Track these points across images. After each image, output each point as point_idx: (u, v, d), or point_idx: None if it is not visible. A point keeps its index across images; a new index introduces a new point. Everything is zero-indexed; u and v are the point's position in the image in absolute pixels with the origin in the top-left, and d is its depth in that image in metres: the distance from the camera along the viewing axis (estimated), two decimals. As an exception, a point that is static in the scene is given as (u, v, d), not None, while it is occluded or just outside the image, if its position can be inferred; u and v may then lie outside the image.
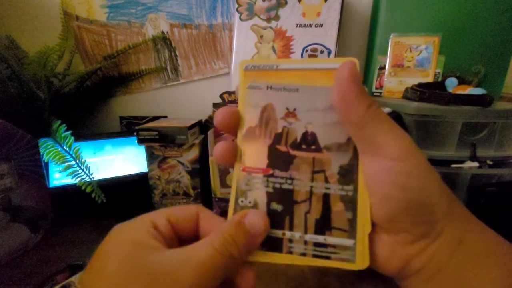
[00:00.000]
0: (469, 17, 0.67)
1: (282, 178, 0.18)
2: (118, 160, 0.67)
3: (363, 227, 0.17)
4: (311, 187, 0.18)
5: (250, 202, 0.18)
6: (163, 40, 0.80)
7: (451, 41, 0.68)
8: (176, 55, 0.81)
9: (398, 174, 0.16)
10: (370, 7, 0.76)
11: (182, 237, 0.19)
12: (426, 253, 0.16)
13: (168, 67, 0.82)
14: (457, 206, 0.17)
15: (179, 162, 0.64)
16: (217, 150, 0.19)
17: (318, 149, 0.18)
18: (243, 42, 0.71)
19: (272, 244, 0.18)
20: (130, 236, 0.17)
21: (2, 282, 0.45)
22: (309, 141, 0.18)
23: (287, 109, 0.19)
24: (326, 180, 0.18)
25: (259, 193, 0.18)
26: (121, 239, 0.17)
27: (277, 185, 0.18)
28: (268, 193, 0.18)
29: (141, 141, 0.61)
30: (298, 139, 0.18)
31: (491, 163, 0.51)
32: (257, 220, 0.17)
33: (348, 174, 0.18)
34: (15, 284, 0.44)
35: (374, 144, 0.16)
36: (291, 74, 0.19)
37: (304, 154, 0.18)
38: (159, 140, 0.61)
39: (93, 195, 0.53)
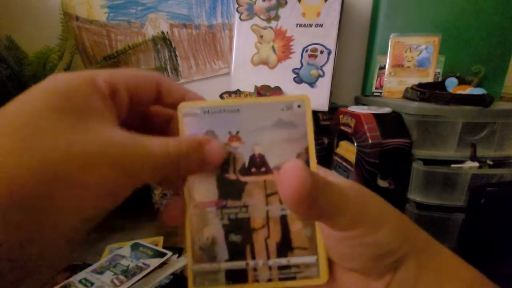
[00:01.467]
0: (469, 17, 0.67)
1: (236, 207, 0.18)
2: (118, 160, 0.67)
3: (322, 241, 0.17)
4: (267, 211, 0.18)
5: (207, 238, 0.18)
6: (163, 40, 0.80)
7: (451, 41, 0.68)
8: (176, 55, 0.81)
9: (352, 238, 0.16)
10: (370, 7, 0.76)
11: (135, 107, 0.18)
12: (394, 283, 0.17)
13: (168, 67, 0.82)
14: (417, 235, 0.18)
15: (179, 162, 0.64)
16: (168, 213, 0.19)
17: (268, 171, 0.18)
18: (243, 42, 0.71)
19: (237, 276, 0.17)
20: (69, 89, 0.14)
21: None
22: (258, 164, 0.18)
23: (230, 133, 0.18)
24: (281, 202, 0.18)
25: (215, 228, 0.18)
26: (55, 87, 0.14)
27: (232, 216, 0.18)
28: (224, 226, 0.18)
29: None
30: (247, 164, 0.18)
31: (491, 163, 0.51)
32: (215, 151, 0.17)
33: None
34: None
35: (329, 225, 0.16)
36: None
37: (255, 178, 0.18)
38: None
39: (93, 195, 0.53)
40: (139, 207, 0.67)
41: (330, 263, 0.18)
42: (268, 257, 0.17)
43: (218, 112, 0.18)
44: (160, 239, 0.54)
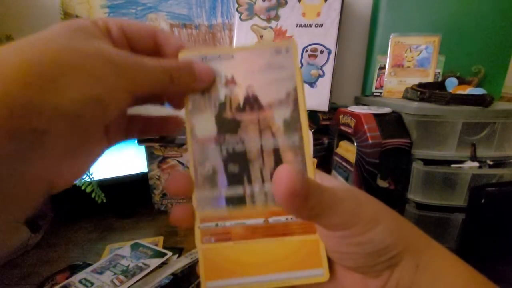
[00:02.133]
0: (469, 17, 0.67)
1: (233, 142, 0.20)
2: (118, 160, 0.67)
3: (311, 167, 0.19)
4: (261, 144, 0.19)
5: (208, 169, 0.20)
6: (163, 40, 0.80)
7: (451, 41, 0.68)
8: (176, 55, 0.81)
9: (348, 237, 0.17)
10: (370, 7, 0.76)
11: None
12: (392, 281, 0.18)
13: (168, 67, 0.82)
14: (413, 234, 0.19)
15: (179, 162, 0.64)
16: (171, 183, 0.20)
17: (261, 109, 0.20)
18: (243, 42, 0.71)
19: (236, 200, 0.19)
20: (76, 23, 0.16)
21: (2, 282, 0.45)
22: (251, 103, 0.20)
23: (226, 77, 0.20)
24: (273, 135, 0.19)
25: (215, 160, 0.20)
26: (64, 23, 0.16)
27: (230, 149, 0.20)
28: (223, 158, 0.20)
29: (141, 141, 0.61)
30: (242, 104, 0.20)
31: (491, 163, 0.51)
32: (203, 67, 0.19)
33: (291, 125, 0.19)
34: (15, 284, 0.44)
35: (323, 225, 0.18)
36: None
37: (249, 116, 0.20)
38: (159, 140, 0.61)
39: (93, 195, 0.53)
40: (139, 207, 0.67)
41: (330, 263, 0.19)
42: (263, 183, 0.19)
43: (215, 59, 0.20)
44: (160, 239, 0.54)
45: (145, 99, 0.23)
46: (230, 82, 0.20)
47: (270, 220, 0.19)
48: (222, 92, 0.20)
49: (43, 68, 0.13)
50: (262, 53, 0.19)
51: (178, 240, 0.54)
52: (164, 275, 0.41)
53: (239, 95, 0.20)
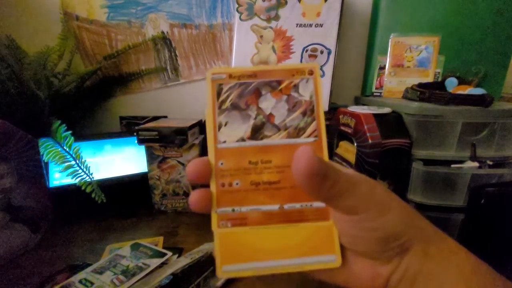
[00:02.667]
0: (469, 17, 0.67)
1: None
2: (118, 160, 0.67)
3: (327, 156, 0.20)
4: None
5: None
6: (163, 40, 0.80)
7: (451, 41, 0.68)
8: (176, 55, 0.81)
9: (362, 222, 0.18)
10: (370, 7, 0.76)
11: None
12: (401, 268, 0.18)
13: (168, 67, 0.82)
14: (421, 223, 0.19)
15: (179, 162, 0.64)
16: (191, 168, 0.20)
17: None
18: (243, 42, 0.71)
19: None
20: None
21: (2, 282, 0.45)
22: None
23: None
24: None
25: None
26: None
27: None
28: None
29: (141, 141, 0.61)
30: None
31: (491, 163, 0.51)
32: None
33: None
34: (15, 284, 0.44)
35: (339, 208, 0.18)
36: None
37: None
38: (159, 140, 0.61)
39: (93, 195, 0.53)
40: (139, 207, 0.67)
41: (342, 249, 0.20)
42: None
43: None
44: (160, 239, 0.54)
45: None
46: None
47: (286, 206, 0.20)
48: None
49: None
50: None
51: (178, 240, 0.54)
52: (164, 275, 0.41)
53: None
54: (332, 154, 0.68)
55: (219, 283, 0.42)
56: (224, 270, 0.19)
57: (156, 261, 0.46)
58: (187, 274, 0.42)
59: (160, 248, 0.51)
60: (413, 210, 0.20)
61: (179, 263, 0.44)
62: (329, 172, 0.17)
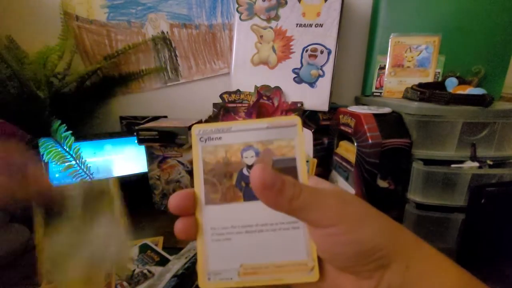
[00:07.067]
0: (469, 17, 0.67)
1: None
2: (118, 160, 0.67)
3: (304, 175, 0.20)
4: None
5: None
6: (163, 40, 0.80)
7: (451, 41, 0.68)
8: (176, 55, 0.81)
9: (335, 236, 0.18)
10: (370, 7, 0.76)
11: None
12: (383, 284, 0.18)
13: (168, 67, 0.82)
14: (403, 235, 0.19)
15: (179, 162, 0.64)
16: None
17: None
18: (243, 42, 0.71)
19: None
20: None
21: (2, 282, 0.45)
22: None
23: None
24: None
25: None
26: None
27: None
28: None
29: (141, 141, 0.61)
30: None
31: (491, 163, 0.51)
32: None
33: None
34: (15, 284, 0.44)
35: (308, 221, 0.19)
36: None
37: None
38: (159, 140, 0.61)
39: (93, 195, 0.53)
40: (139, 207, 0.67)
41: (323, 264, 0.20)
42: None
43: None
44: (160, 239, 0.54)
45: None
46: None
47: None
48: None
49: None
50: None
51: (178, 240, 0.54)
52: (166, 280, 0.41)
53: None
54: (332, 154, 0.68)
55: None
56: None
57: (161, 270, 0.46)
58: (188, 274, 0.42)
59: (167, 254, 0.50)
60: (392, 222, 0.19)
61: (176, 265, 0.44)
62: (286, 185, 0.18)
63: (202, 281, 0.20)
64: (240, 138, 0.21)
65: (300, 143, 0.20)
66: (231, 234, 0.20)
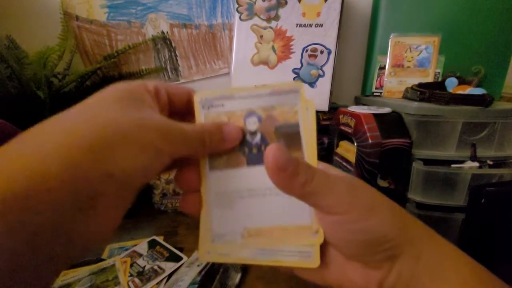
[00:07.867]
0: (469, 17, 0.67)
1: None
2: (118, 160, 0.67)
3: (313, 157, 0.21)
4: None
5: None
6: (163, 40, 0.80)
7: (451, 41, 0.68)
8: (176, 55, 0.81)
9: (345, 223, 0.18)
10: (370, 7, 0.76)
11: (174, 110, 0.21)
12: (393, 274, 0.18)
13: (168, 67, 0.82)
14: (414, 226, 0.19)
15: (179, 162, 0.64)
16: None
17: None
18: (243, 42, 0.71)
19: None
20: (129, 89, 0.18)
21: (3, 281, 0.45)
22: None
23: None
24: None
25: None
26: (118, 87, 0.18)
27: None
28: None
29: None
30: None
31: (491, 163, 0.51)
32: (232, 131, 0.20)
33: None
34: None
35: (319, 207, 0.18)
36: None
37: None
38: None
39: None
40: (139, 207, 0.67)
41: (330, 252, 0.20)
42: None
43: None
44: (160, 239, 0.54)
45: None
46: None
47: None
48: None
49: (92, 141, 0.14)
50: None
51: (178, 240, 0.54)
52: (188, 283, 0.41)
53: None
54: (332, 154, 0.68)
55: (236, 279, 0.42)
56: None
57: (171, 266, 0.46)
58: (203, 283, 0.42)
59: (176, 251, 0.50)
60: (404, 212, 0.19)
61: (189, 274, 0.43)
62: (300, 168, 0.17)
63: (206, 244, 0.20)
64: (243, 104, 0.21)
65: (303, 109, 0.20)
66: (235, 198, 0.20)
